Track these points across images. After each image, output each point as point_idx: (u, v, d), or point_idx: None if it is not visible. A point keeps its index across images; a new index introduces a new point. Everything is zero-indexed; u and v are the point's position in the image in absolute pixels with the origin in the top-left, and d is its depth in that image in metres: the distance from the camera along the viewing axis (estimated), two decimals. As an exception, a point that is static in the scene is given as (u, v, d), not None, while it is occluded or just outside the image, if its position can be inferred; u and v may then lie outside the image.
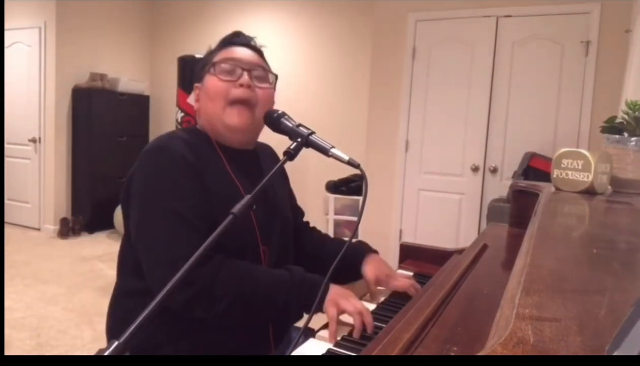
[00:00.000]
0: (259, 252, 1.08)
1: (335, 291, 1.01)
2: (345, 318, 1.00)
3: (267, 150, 1.31)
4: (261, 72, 1.12)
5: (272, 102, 1.15)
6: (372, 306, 1.11)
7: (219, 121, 1.08)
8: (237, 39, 1.16)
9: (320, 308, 0.99)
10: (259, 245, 1.08)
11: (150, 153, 1.02)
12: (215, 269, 0.95)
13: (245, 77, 1.07)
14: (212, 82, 1.09)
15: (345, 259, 1.22)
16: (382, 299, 1.17)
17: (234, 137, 1.11)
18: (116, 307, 1.12)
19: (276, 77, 1.16)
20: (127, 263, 1.09)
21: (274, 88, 1.16)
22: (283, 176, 1.32)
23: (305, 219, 1.39)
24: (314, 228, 1.39)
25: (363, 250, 1.26)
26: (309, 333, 0.98)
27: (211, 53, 1.15)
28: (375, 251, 1.28)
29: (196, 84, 1.15)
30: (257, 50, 1.16)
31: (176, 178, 0.99)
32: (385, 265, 1.22)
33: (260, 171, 1.17)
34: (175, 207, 0.96)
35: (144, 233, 0.99)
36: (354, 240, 1.25)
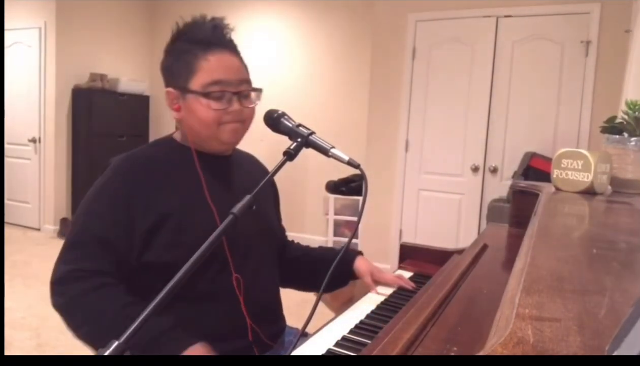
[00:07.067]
0: (228, 264, 1.03)
1: (195, 350, 0.89)
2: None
3: (249, 159, 1.27)
4: (247, 87, 1.08)
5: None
6: (369, 306, 1.11)
7: (214, 138, 1.06)
8: (215, 38, 1.08)
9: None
10: (228, 260, 1.03)
11: (112, 168, 1.04)
12: (88, 291, 1.00)
13: (236, 106, 1.05)
14: (202, 111, 1.03)
15: (337, 265, 1.22)
16: (381, 294, 1.18)
17: (223, 147, 1.10)
18: None
19: (261, 90, 1.11)
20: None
21: (259, 100, 1.12)
22: (273, 188, 1.29)
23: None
24: (298, 243, 1.38)
25: (351, 254, 1.30)
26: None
27: (184, 50, 1.07)
28: (360, 253, 1.32)
29: (171, 90, 1.07)
30: (237, 51, 1.10)
31: (115, 206, 0.99)
32: (371, 263, 1.29)
33: (231, 177, 1.13)
34: (100, 231, 0.98)
35: (70, 231, 1.03)
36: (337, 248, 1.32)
